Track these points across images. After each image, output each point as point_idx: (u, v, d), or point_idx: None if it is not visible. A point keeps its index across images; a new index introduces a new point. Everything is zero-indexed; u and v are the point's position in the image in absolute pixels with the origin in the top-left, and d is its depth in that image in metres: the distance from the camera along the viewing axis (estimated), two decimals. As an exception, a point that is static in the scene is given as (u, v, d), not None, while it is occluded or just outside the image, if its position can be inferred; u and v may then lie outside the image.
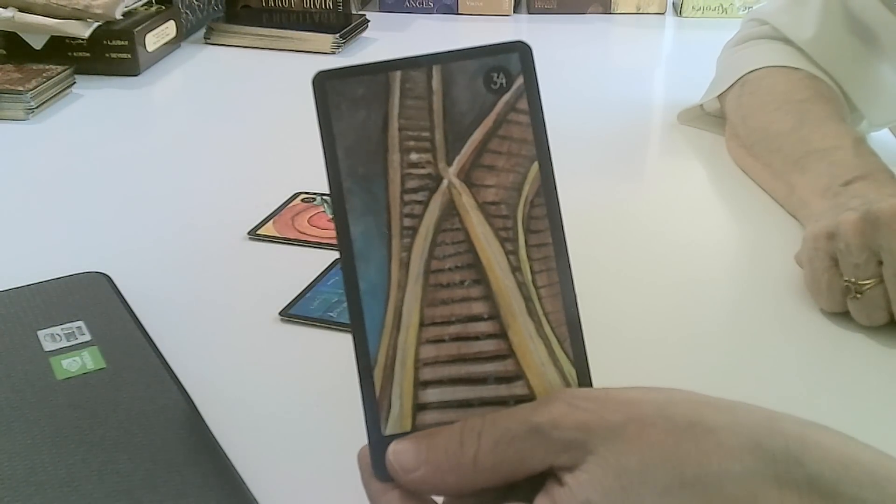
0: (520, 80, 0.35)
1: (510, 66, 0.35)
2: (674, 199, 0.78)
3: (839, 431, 0.33)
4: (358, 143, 0.35)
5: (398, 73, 0.35)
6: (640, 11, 1.37)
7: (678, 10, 1.37)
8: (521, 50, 0.35)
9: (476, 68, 0.35)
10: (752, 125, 0.79)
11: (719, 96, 0.86)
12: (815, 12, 0.80)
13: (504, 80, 0.35)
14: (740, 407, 0.34)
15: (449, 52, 0.35)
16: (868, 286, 0.55)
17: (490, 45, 0.35)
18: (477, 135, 0.35)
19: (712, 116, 0.90)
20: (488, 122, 0.35)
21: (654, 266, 0.67)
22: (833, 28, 0.80)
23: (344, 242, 0.35)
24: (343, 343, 0.56)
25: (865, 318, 0.56)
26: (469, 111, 0.35)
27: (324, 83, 0.35)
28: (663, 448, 0.32)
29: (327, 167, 0.35)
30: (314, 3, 1.33)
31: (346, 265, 0.35)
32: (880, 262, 0.55)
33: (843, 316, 0.58)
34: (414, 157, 0.35)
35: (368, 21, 1.26)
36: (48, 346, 0.54)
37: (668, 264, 0.67)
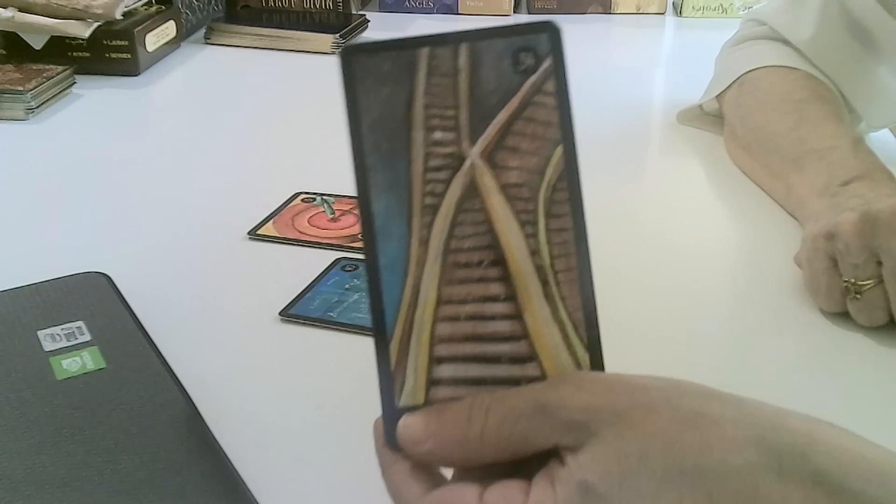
0: (548, 62, 0.35)
1: (539, 46, 0.35)
2: (673, 198, 0.78)
3: (846, 429, 0.33)
4: (382, 119, 0.35)
5: (425, 50, 0.35)
6: (640, 11, 1.37)
7: (678, 10, 1.37)
8: (550, 31, 0.35)
9: (504, 48, 0.35)
10: (751, 125, 0.79)
11: (718, 96, 0.86)
12: (813, 13, 0.80)
13: (532, 61, 0.35)
14: (748, 402, 0.34)
15: (477, 30, 0.35)
16: (867, 286, 0.55)
17: (519, 25, 0.35)
18: (502, 115, 0.35)
19: (711, 116, 0.90)
20: (514, 103, 0.35)
21: (652, 266, 0.67)
22: (831, 29, 0.80)
23: (365, 217, 0.35)
24: (343, 343, 0.57)
25: (865, 318, 0.56)
26: (495, 91, 0.35)
27: (350, 58, 0.34)
28: (666, 436, 0.32)
29: (351, 142, 0.35)
30: (314, 3, 1.33)
31: (367, 240, 0.35)
32: (879, 263, 0.55)
33: (843, 316, 0.58)
34: (438, 135, 0.35)
35: (368, 21, 1.26)
36: (48, 346, 0.54)
37: (667, 264, 0.67)
